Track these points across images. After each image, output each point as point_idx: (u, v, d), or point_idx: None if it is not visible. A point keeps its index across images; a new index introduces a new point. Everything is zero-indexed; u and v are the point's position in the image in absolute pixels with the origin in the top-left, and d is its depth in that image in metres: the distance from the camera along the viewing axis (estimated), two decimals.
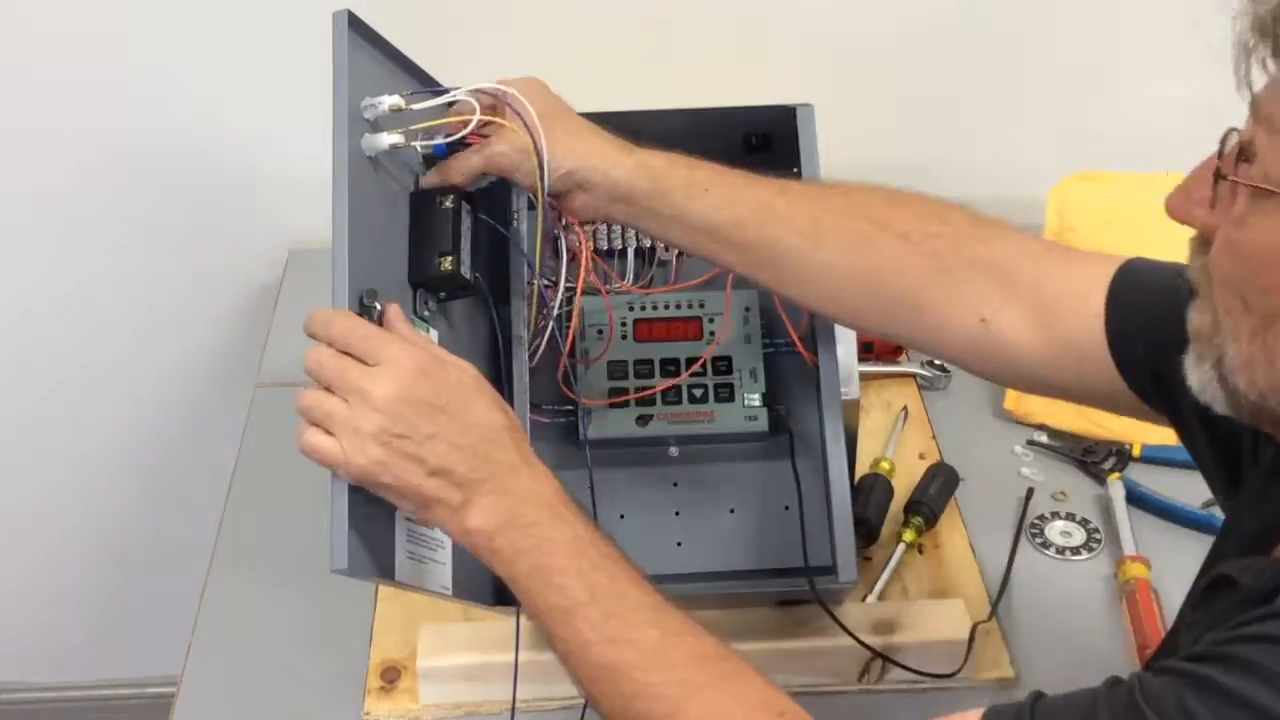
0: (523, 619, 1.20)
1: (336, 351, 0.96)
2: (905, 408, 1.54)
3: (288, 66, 1.66)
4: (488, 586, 1.14)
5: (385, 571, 1.02)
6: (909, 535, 1.37)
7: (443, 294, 1.13)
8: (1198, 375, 0.84)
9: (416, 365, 0.95)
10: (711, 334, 1.25)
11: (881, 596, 1.33)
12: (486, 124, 1.11)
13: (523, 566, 0.94)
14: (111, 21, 1.67)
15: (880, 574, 1.34)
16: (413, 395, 0.94)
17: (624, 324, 1.26)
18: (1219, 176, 0.80)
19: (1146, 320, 1.00)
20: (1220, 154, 0.80)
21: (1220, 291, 0.82)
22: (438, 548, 1.08)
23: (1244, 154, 0.79)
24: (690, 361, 1.25)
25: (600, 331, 1.24)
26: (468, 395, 0.97)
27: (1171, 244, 1.60)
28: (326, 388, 0.96)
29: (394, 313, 1.01)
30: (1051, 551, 1.38)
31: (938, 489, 1.41)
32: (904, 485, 1.44)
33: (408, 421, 0.93)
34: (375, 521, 1.01)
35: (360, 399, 0.94)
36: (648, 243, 1.28)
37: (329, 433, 0.95)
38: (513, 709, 1.16)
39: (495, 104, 1.10)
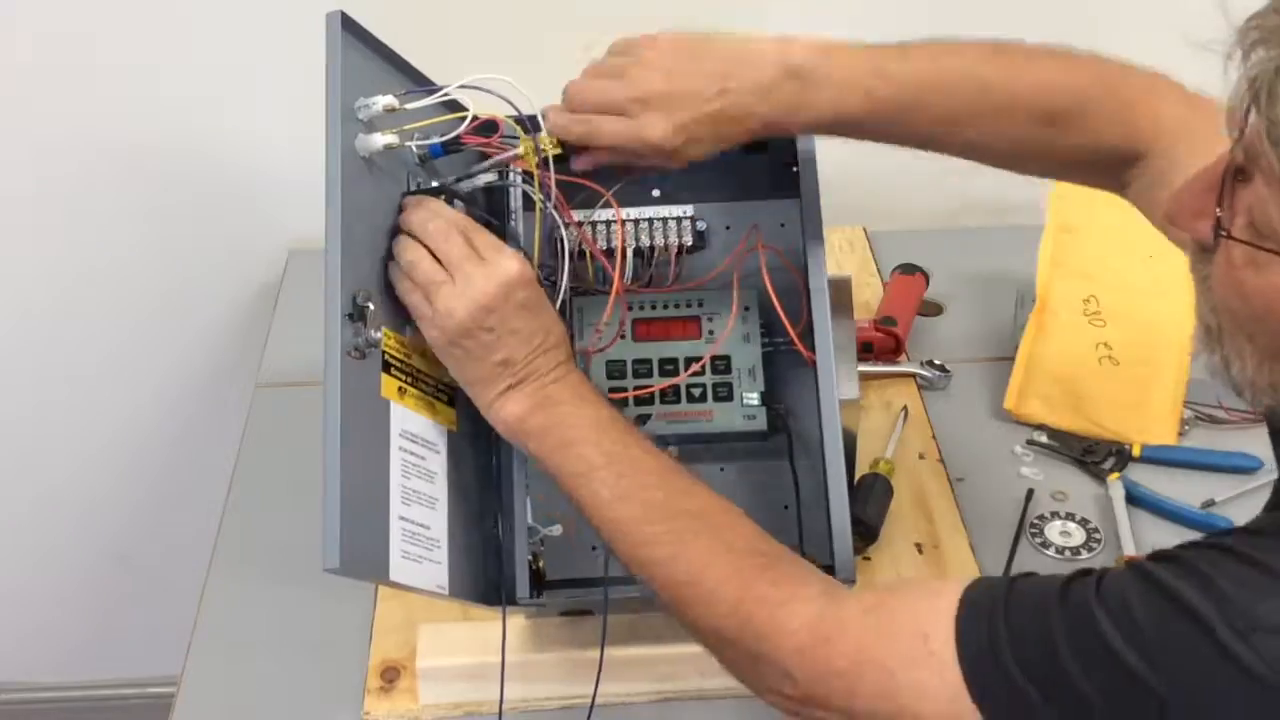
0: (516, 620, 1.21)
1: (459, 233, 1.06)
2: (905, 407, 1.53)
3: (287, 66, 1.65)
4: (484, 585, 1.14)
5: (379, 570, 1.02)
6: None
7: None
8: (1207, 359, 0.89)
9: (522, 273, 1.06)
10: (710, 333, 1.25)
11: None
12: (482, 123, 1.11)
13: (549, 442, 1.07)
14: (112, 22, 1.67)
15: None
16: (511, 297, 1.05)
17: (622, 323, 1.25)
18: (1219, 232, 0.84)
19: None
20: (1219, 201, 0.84)
21: (1225, 318, 0.86)
22: (433, 547, 1.08)
23: (1241, 175, 0.82)
24: (689, 361, 1.24)
25: (600, 332, 1.24)
26: (544, 302, 1.09)
27: (1169, 245, 1.60)
28: (433, 255, 1.06)
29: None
30: (1051, 551, 1.38)
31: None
32: (906, 486, 1.44)
33: (498, 316, 1.05)
34: (369, 520, 1.02)
35: (466, 283, 1.04)
36: (647, 242, 1.28)
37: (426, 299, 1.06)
38: (500, 709, 1.17)
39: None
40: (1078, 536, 1.39)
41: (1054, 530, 1.40)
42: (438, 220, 1.07)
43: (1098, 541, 1.39)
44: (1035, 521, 1.41)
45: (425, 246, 1.06)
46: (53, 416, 1.96)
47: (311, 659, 1.30)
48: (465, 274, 1.04)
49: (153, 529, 2.04)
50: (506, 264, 1.05)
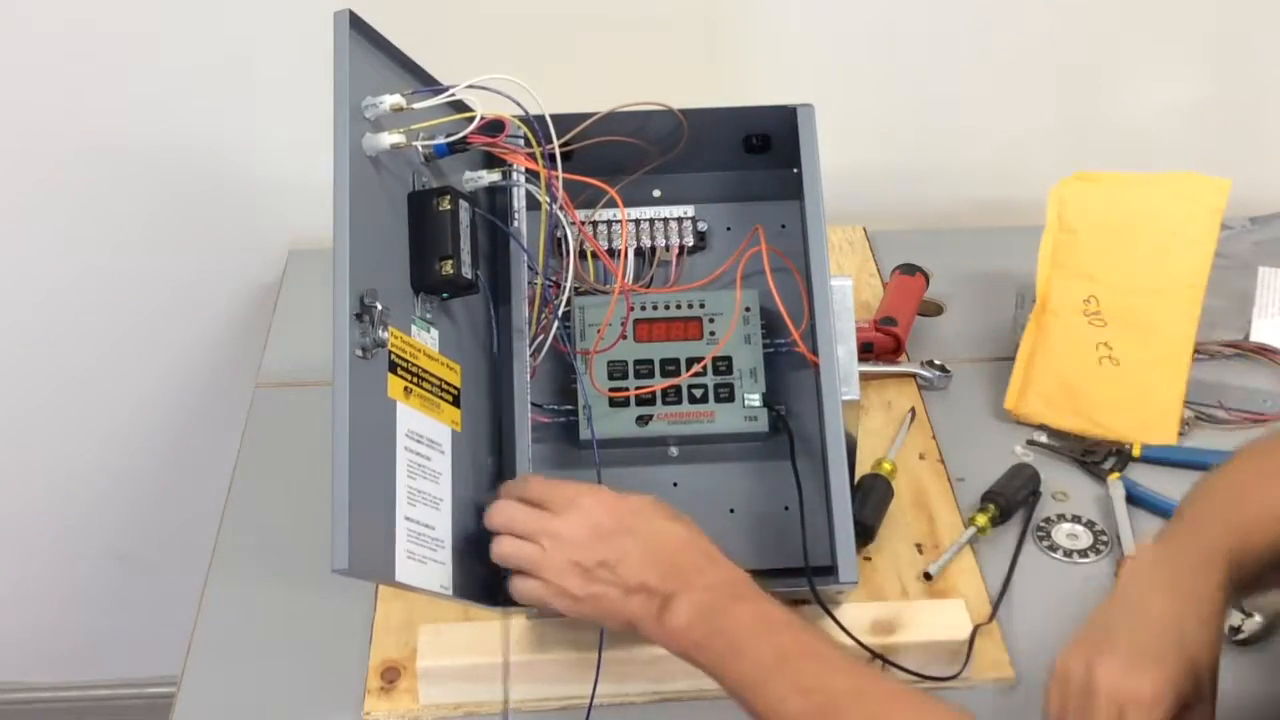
0: (517, 620, 1.21)
1: (525, 504, 1.08)
2: (912, 410, 1.53)
3: (288, 66, 1.66)
4: (487, 586, 1.14)
5: (386, 571, 1.02)
6: (980, 520, 1.38)
7: (445, 294, 1.13)
8: None
9: (599, 501, 1.07)
10: (712, 334, 1.26)
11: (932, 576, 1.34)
12: (488, 123, 1.11)
13: (718, 648, 1.02)
14: (112, 21, 1.67)
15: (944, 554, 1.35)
16: (601, 527, 1.06)
17: (624, 324, 1.26)
18: None
19: None
20: None
21: None
22: (438, 548, 1.08)
23: None
24: (690, 361, 1.25)
25: (602, 333, 1.25)
26: (648, 515, 1.08)
27: (1169, 245, 1.60)
28: (522, 538, 1.07)
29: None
30: (1059, 555, 1.37)
31: (1018, 485, 1.42)
32: (906, 486, 1.44)
33: (601, 550, 1.05)
34: (376, 521, 1.02)
35: (555, 541, 1.06)
36: (648, 242, 1.28)
37: (534, 577, 1.07)
38: (505, 710, 1.16)
39: None
40: (1084, 539, 1.39)
41: (1060, 533, 1.40)
42: (498, 506, 1.09)
43: (1104, 544, 1.38)
44: (1042, 525, 1.40)
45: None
46: (52, 416, 1.95)
47: (311, 659, 1.29)
48: (549, 533, 1.06)
49: (153, 529, 2.04)
50: (577, 501, 1.07)
